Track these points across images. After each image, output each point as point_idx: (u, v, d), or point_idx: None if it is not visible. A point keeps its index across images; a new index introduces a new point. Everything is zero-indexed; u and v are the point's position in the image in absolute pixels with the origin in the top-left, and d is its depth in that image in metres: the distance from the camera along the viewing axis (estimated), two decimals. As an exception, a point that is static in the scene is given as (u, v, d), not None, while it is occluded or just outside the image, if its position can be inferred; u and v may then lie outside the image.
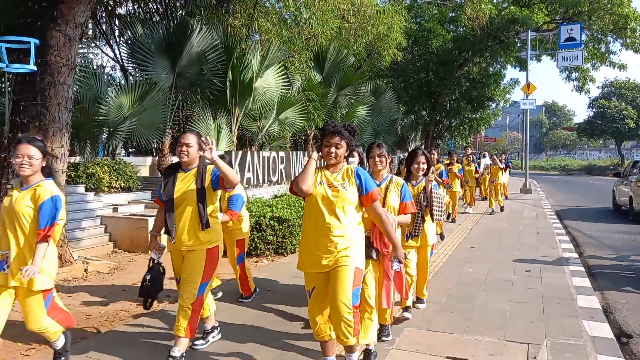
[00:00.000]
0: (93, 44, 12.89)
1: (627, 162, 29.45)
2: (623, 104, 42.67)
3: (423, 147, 23.57)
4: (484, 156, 16.17)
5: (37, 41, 5.52)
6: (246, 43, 11.46)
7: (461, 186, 12.83)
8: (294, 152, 12.66)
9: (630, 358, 3.91)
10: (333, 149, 3.03)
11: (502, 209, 13.12)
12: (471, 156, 13.56)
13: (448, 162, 11.74)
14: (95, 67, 10.50)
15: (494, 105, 26.30)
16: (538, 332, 4.13)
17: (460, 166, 11.81)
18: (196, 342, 3.76)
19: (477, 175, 13.03)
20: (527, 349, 3.78)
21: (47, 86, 5.74)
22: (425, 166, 4.38)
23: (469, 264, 6.79)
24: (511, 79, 25.81)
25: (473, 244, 8.43)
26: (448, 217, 10.99)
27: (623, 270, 6.85)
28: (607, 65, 21.51)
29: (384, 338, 3.85)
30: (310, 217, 3.08)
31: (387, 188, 3.72)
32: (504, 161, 15.74)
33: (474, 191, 13.55)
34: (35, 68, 5.52)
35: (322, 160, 3.18)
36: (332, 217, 3.00)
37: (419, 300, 4.74)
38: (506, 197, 15.52)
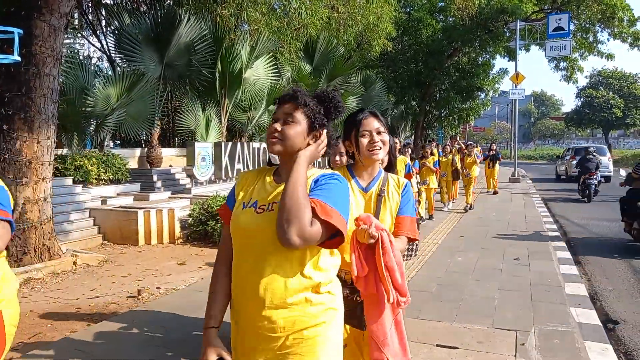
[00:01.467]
0: (79, 34, 12.70)
1: (614, 150, 34.28)
2: (610, 93, 43.08)
3: (413, 137, 23.65)
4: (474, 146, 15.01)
5: (21, 31, 5.41)
6: (235, 33, 11.37)
7: (439, 184, 11.72)
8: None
9: (616, 344, 3.98)
10: (277, 126, 1.57)
11: (470, 206, 11.47)
12: (448, 147, 12.31)
13: (422, 154, 10.54)
14: (81, 57, 10.36)
15: (483, 95, 26.42)
16: (526, 320, 4.19)
17: (436, 159, 10.68)
18: None
19: (453, 168, 11.61)
20: (515, 335, 3.83)
21: (32, 77, 5.65)
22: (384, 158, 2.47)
23: (458, 253, 6.85)
24: (500, 69, 25.90)
25: (462, 232, 8.49)
26: (422, 219, 9.36)
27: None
28: (595, 55, 21.67)
29: None
30: (233, 269, 1.61)
31: (378, 195, 2.09)
32: (493, 151, 15.20)
33: (452, 186, 12.03)
34: (19, 59, 5.42)
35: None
36: (263, 268, 1.49)
37: None
38: (495, 192, 14.84)
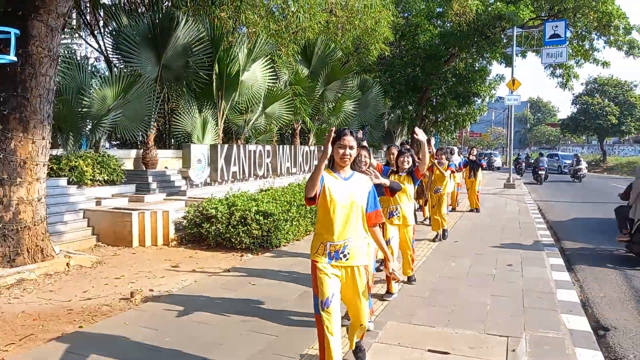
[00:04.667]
0: (77, 34, 12.68)
1: (609, 157, 37.28)
2: (606, 100, 43.23)
3: (410, 142, 23.64)
4: (452, 152, 11.44)
5: (18, 31, 5.42)
6: (233, 36, 11.40)
7: None
8: (281, 146, 12.64)
9: (606, 351, 4.00)
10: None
11: (443, 234, 8.46)
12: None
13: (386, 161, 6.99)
14: (78, 58, 10.34)
15: (479, 101, 26.53)
16: (518, 326, 4.21)
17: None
18: None
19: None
20: (506, 341, 3.85)
21: (28, 77, 5.65)
22: None
23: (452, 258, 6.87)
24: (497, 75, 25.99)
25: (456, 238, 8.51)
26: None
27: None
28: (591, 62, 21.76)
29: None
30: None
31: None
32: (473, 157, 12.48)
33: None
34: (15, 59, 5.43)
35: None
36: None
37: None
38: (477, 210, 11.95)
